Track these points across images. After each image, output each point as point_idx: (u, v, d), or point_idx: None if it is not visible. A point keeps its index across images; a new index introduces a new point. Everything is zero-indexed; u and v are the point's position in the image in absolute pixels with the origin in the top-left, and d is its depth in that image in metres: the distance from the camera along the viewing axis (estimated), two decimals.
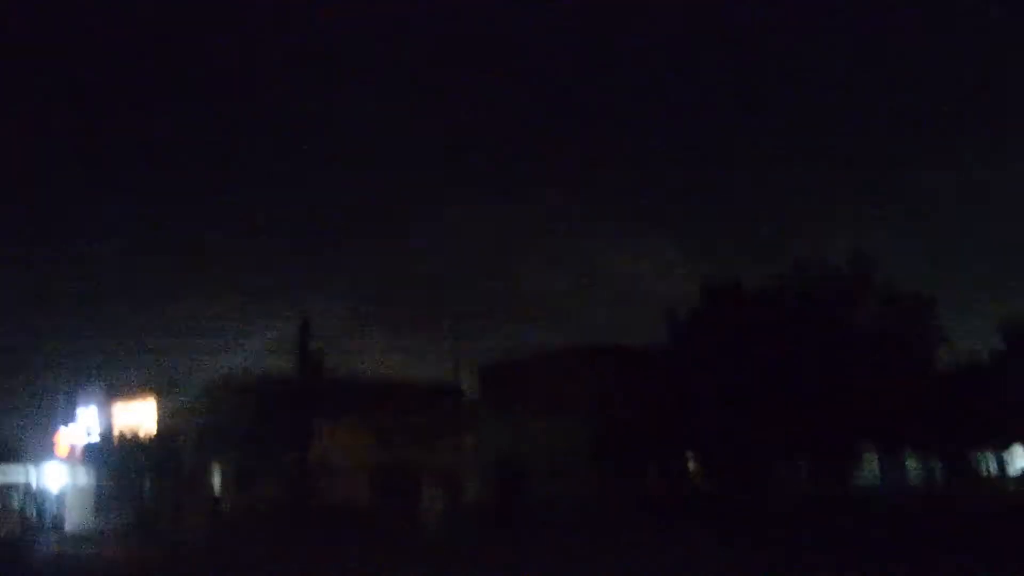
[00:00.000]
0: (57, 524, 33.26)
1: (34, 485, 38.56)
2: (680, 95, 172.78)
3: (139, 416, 36.78)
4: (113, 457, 33.78)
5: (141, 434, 34.52)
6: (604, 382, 28.98)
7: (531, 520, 25.74)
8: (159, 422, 36.46)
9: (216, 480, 35.07)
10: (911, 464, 42.28)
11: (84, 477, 38.41)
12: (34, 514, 33.49)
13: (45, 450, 42.19)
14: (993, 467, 47.87)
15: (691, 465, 32.35)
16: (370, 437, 29.79)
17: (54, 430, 43.87)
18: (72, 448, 40.65)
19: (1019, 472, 46.19)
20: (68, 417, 44.22)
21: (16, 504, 36.64)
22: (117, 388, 42.34)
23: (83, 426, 41.99)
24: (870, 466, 38.75)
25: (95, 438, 37.52)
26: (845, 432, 29.41)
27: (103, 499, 38.69)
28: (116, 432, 35.18)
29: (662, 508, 28.18)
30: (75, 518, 37.51)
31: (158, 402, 37.99)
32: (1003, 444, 45.91)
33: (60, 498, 35.99)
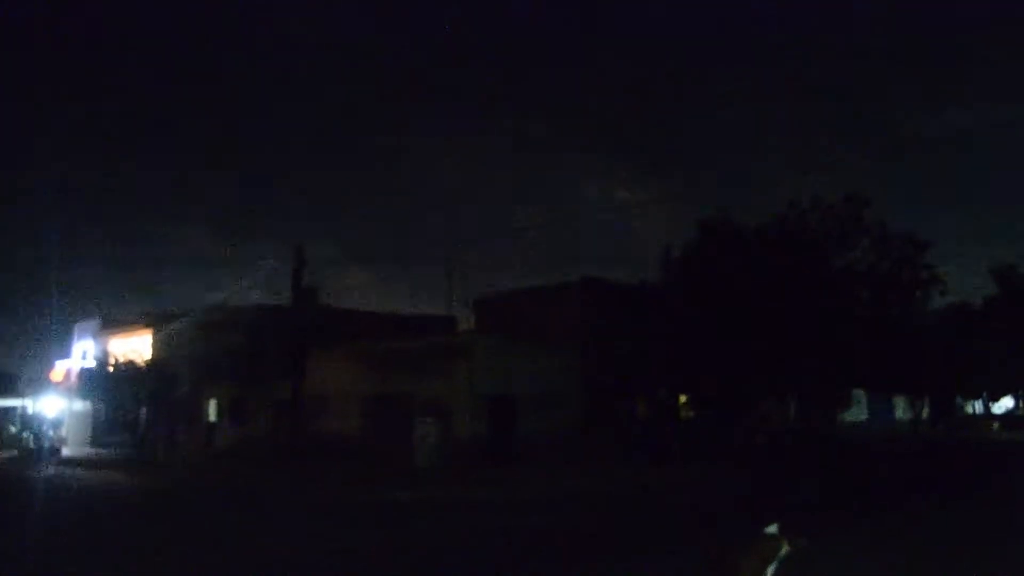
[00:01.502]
0: (54, 450, 33.58)
1: (30, 411, 38.91)
2: (667, 27, 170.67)
3: (134, 348, 36.93)
4: (108, 383, 33.95)
5: (136, 361, 34.66)
6: (597, 315, 29.04)
7: (523, 450, 26.14)
8: (154, 354, 36.64)
9: (211, 410, 35.38)
10: (899, 403, 42.86)
11: (80, 404, 38.75)
12: (31, 440, 33.80)
13: (42, 383, 42.58)
14: (979, 407, 48.57)
15: (681, 398, 32.71)
16: (363, 369, 29.89)
17: (51, 364, 44.26)
18: (68, 373, 40.94)
19: (1003, 412, 46.87)
20: (64, 351, 44.57)
21: (13, 429, 37.01)
22: (113, 322, 42.58)
23: (78, 354, 42.30)
24: (859, 405, 39.30)
25: (90, 363, 37.72)
26: (834, 370, 29.64)
27: (99, 426, 39.11)
28: (111, 360, 35.31)
29: (647, 438, 28.59)
30: (72, 443, 37.99)
31: (153, 335, 38.16)
32: (993, 395, 46.48)
33: (57, 424, 36.29)
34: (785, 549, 5.90)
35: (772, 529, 6.01)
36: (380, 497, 18.59)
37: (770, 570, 5.89)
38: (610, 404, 29.77)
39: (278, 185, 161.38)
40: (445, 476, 22.51)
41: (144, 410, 36.09)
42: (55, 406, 39.19)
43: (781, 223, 30.11)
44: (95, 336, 42.13)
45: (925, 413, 41.84)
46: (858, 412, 39.32)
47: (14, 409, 41.68)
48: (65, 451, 34.87)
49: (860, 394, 38.91)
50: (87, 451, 36.81)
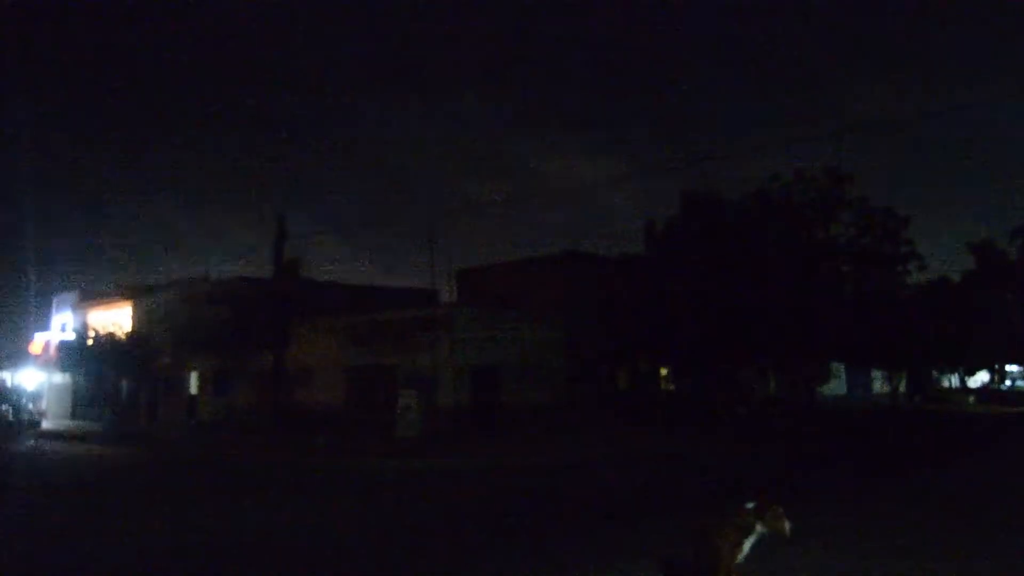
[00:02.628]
0: (34, 423, 33.33)
1: (9, 384, 38.54)
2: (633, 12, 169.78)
3: (115, 321, 36.65)
4: (88, 356, 33.67)
5: (117, 334, 34.38)
6: (579, 287, 29.16)
7: (506, 420, 26.25)
8: (135, 326, 36.39)
9: (193, 382, 35.21)
10: (876, 377, 43.38)
11: (60, 377, 38.46)
12: (10, 413, 33.50)
13: (21, 356, 42.19)
14: (955, 381, 49.32)
15: (662, 370, 32.97)
16: (346, 340, 29.83)
17: (30, 337, 43.85)
18: (46, 345, 40.58)
19: (979, 386, 47.62)
20: (43, 324, 44.18)
21: None
22: (92, 294, 42.23)
23: (58, 326, 41.95)
24: (838, 378, 39.76)
25: (70, 335, 37.41)
26: (814, 342, 29.94)
27: (79, 399, 38.87)
28: (91, 332, 35.02)
29: (629, 408, 28.83)
30: (52, 416, 37.73)
31: (133, 307, 37.90)
32: (969, 369, 47.21)
33: (36, 397, 36.01)
34: (763, 528, 5.97)
35: (750, 505, 6.08)
36: (361, 467, 18.55)
37: (747, 544, 5.98)
38: (592, 374, 29.94)
39: (254, 159, 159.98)
40: (427, 446, 22.53)
41: (125, 382, 35.87)
42: (34, 379, 38.88)
43: (764, 196, 30.25)
44: (74, 308, 41.76)
45: (902, 387, 42.37)
46: (837, 385, 39.79)
47: None
48: (45, 424, 34.63)
49: (839, 367, 39.38)
50: (67, 424, 36.57)
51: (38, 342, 41.86)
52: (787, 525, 6.02)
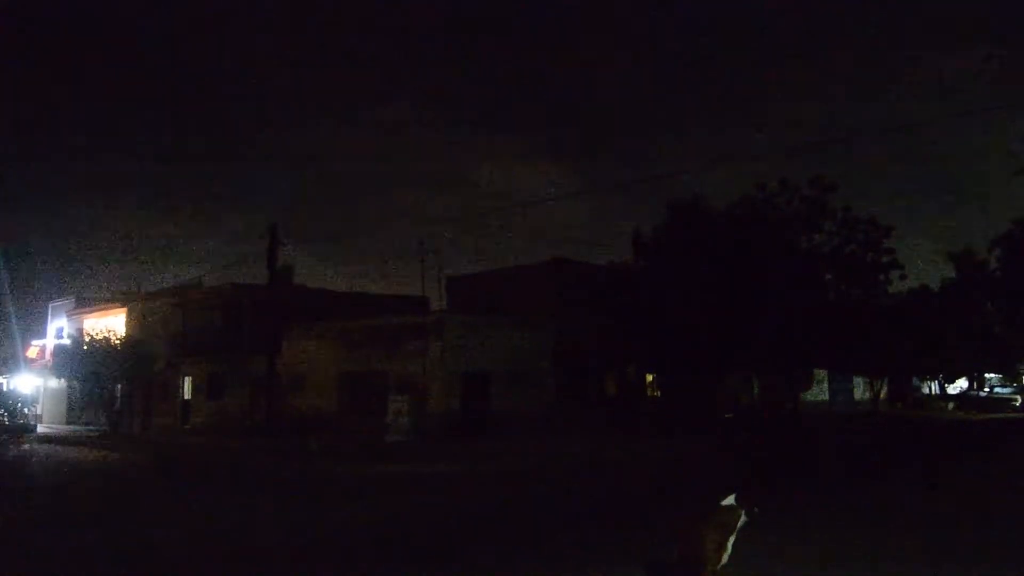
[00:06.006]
0: (29, 427, 33.71)
1: (5, 389, 38.91)
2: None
3: (109, 327, 37.12)
4: (83, 361, 34.12)
5: (112, 339, 34.86)
6: (567, 295, 29.72)
7: (495, 425, 26.71)
8: (129, 332, 36.84)
9: (186, 387, 35.66)
10: (858, 383, 44.09)
11: (55, 381, 38.87)
12: (5, 417, 33.87)
13: (16, 361, 42.56)
14: (935, 388, 50.15)
15: (648, 377, 33.55)
16: (339, 346, 30.30)
17: (26, 344, 44.23)
18: (42, 350, 41.00)
19: (958, 392, 48.44)
20: (39, 331, 44.57)
21: None
22: (87, 301, 42.67)
23: (53, 332, 42.36)
24: (819, 384, 40.44)
25: (66, 340, 37.86)
26: (797, 349, 30.52)
27: (74, 403, 39.30)
28: (86, 337, 35.50)
29: (617, 414, 29.37)
30: (47, 420, 38.07)
31: (128, 314, 38.34)
32: (949, 376, 48.02)
33: (32, 401, 36.38)
34: (743, 519, 6.18)
35: (729, 501, 6.28)
36: (349, 471, 18.70)
37: (731, 540, 6.16)
38: (580, 381, 30.46)
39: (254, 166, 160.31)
40: (417, 451, 22.86)
41: (119, 387, 36.31)
42: (30, 384, 39.27)
43: (749, 205, 30.85)
44: (69, 315, 42.17)
45: (883, 393, 43.04)
46: (818, 391, 40.45)
47: None
48: (40, 428, 35.01)
49: (821, 374, 40.05)
50: (62, 428, 36.94)
51: (33, 347, 42.30)
52: (756, 510, 6.23)
